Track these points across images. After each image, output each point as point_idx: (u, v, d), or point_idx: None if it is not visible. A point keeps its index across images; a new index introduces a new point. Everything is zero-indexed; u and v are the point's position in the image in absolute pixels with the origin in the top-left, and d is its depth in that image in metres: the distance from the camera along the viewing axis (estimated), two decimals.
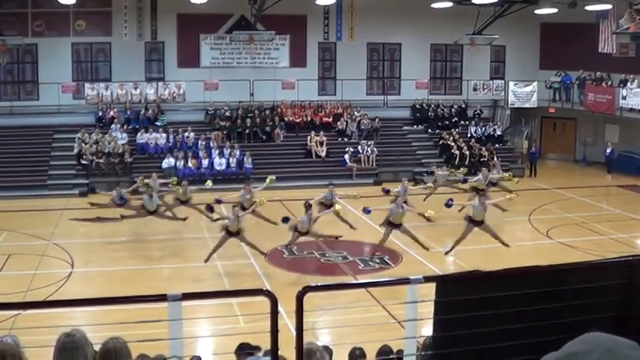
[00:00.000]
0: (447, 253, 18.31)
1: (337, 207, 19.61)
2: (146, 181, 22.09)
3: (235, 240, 17.79)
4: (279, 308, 3.26)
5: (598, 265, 3.87)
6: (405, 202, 19.14)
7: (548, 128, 35.03)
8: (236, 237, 17.62)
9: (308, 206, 18.22)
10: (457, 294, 3.29)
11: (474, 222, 18.01)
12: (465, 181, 23.52)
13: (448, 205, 19.98)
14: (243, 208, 19.21)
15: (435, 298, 3.32)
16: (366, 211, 18.69)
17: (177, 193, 21.30)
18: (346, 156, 29.21)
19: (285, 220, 18.35)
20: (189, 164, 27.58)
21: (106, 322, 5.16)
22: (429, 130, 32.18)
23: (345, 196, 22.29)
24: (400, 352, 5.15)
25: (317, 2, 29.90)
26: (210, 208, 20.14)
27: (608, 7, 28.18)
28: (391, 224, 18.12)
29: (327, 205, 19.98)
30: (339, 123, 31.12)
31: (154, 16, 30.87)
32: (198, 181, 26.84)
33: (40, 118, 28.79)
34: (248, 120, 30.19)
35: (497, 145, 31.27)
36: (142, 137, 28.65)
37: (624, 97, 29.66)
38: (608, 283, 3.37)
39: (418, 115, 32.79)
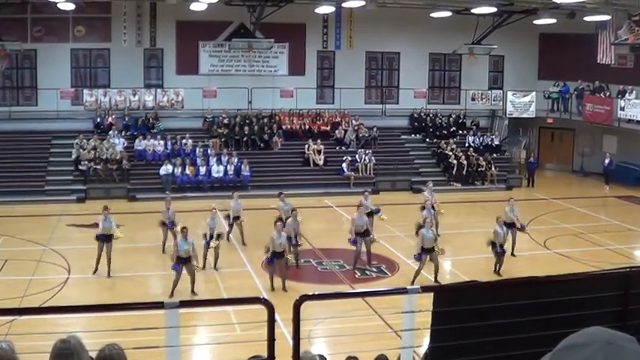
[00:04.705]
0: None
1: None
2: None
3: (234, 248, 17.69)
4: (276, 317, 3.26)
5: (594, 276, 3.87)
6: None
7: (546, 138, 35.07)
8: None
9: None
10: (455, 304, 3.29)
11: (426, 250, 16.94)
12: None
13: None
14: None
15: (433, 309, 3.31)
16: (417, 257, 17.19)
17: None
18: (344, 164, 29.20)
19: None
20: (187, 171, 27.55)
21: (103, 329, 5.15)
22: (427, 140, 32.20)
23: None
24: None
25: (316, 11, 29.92)
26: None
27: (607, 18, 28.25)
28: (425, 251, 16.87)
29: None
30: (337, 131, 31.15)
31: (153, 23, 30.89)
32: (196, 189, 26.99)
33: (39, 124, 28.77)
34: (246, 128, 30.19)
35: (495, 155, 31.31)
36: (140, 144, 28.63)
37: (622, 108, 29.74)
38: (604, 294, 3.37)
39: (416, 124, 32.82)
